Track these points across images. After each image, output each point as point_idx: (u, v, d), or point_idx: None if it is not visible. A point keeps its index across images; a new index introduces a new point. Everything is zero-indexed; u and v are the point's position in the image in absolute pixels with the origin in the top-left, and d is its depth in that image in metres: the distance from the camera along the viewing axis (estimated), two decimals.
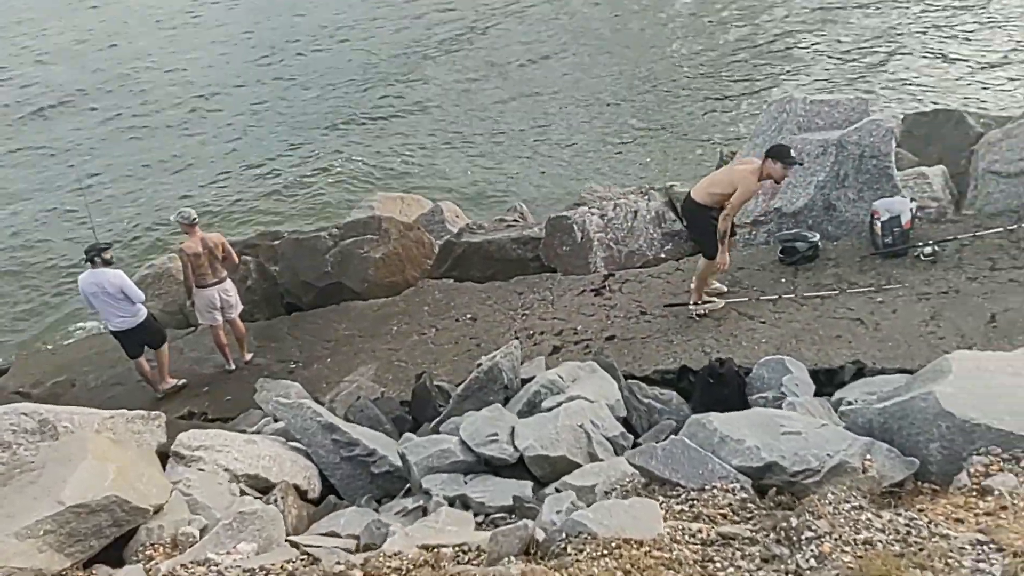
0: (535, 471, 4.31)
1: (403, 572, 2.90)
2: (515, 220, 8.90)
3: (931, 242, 6.33)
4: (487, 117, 15.27)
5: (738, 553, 2.58)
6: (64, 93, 19.62)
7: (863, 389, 4.78)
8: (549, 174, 12.92)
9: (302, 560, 3.41)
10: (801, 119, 7.37)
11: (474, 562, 2.90)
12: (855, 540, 2.49)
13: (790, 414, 3.65)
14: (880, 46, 14.88)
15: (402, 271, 8.33)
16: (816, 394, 4.85)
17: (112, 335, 7.06)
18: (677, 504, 3.11)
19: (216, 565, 3.31)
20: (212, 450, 4.77)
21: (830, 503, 2.73)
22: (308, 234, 8.82)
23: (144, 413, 4.98)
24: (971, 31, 14.64)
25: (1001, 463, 2.84)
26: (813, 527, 2.56)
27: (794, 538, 2.54)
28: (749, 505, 3.00)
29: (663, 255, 7.63)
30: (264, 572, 3.23)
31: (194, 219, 7.08)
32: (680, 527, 2.80)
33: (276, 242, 8.91)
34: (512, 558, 2.74)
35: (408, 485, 4.70)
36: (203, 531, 3.90)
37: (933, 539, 2.46)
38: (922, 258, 6.26)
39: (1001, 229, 6.35)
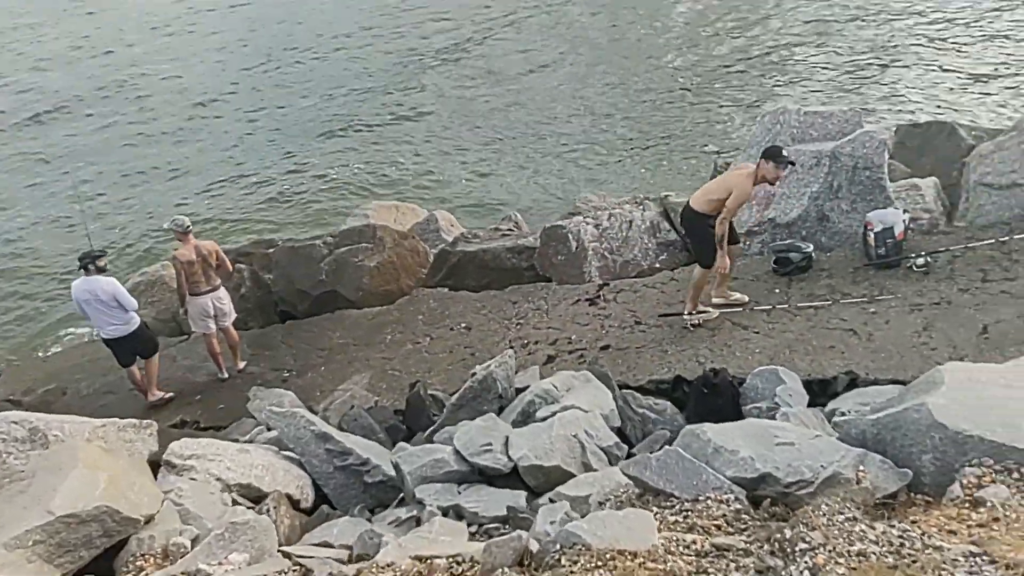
0: (529, 481, 4.30)
1: None
2: (510, 229, 8.92)
3: (923, 253, 6.37)
4: (483, 126, 15.31)
5: (732, 565, 2.57)
6: (59, 99, 19.60)
7: (856, 400, 4.79)
8: (544, 183, 12.96)
9: (294, 571, 3.39)
10: (795, 130, 7.43)
11: (468, 573, 2.88)
12: (849, 552, 2.49)
13: (784, 425, 3.65)
14: (874, 58, 15.01)
15: (397, 280, 8.32)
16: (809, 404, 4.86)
17: (104, 343, 7.03)
18: (671, 515, 3.10)
19: None
20: (204, 459, 4.74)
21: (824, 514, 2.73)
22: (303, 242, 8.81)
23: (136, 422, 4.94)
24: (964, 44, 14.79)
25: (993, 474, 2.85)
26: (807, 539, 2.55)
27: (788, 550, 2.54)
28: (743, 516, 3.00)
29: (658, 265, 7.65)
30: None
31: (188, 227, 7.07)
32: (674, 538, 2.79)
33: (271, 250, 8.90)
34: (506, 569, 2.73)
35: (402, 495, 4.68)
36: (194, 541, 3.87)
37: (926, 551, 2.46)
38: (915, 269, 6.30)
39: (992, 241, 6.40)
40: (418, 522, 4.13)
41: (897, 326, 5.68)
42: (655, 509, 3.16)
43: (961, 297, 5.85)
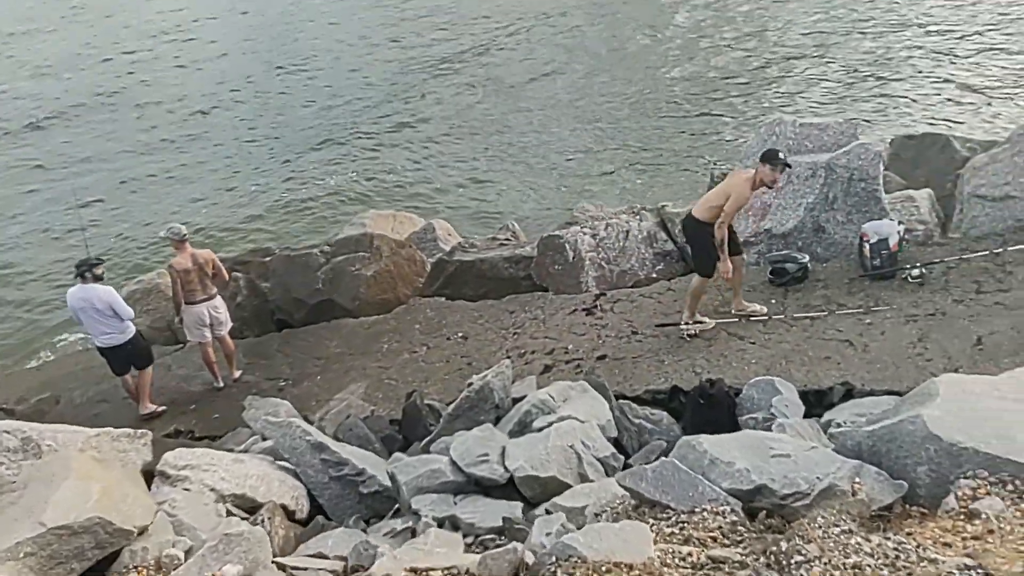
0: (525, 492, 4.29)
1: None
2: (507, 239, 8.94)
3: (918, 264, 6.40)
4: (480, 136, 15.37)
5: None
6: (58, 107, 19.62)
7: (852, 410, 4.80)
8: (541, 193, 13.00)
9: None
10: (791, 141, 7.47)
11: None
12: (844, 564, 2.49)
13: (780, 436, 3.66)
14: (869, 71, 15.13)
15: (394, 289, 8.32)
16: (806, 415, 4.86)
17: (99, 351, 7.00)
18: (667, 527, 3.10)
19: None
20: (199, 469, 4.72)
21: (819, 527, 2.73)
22: (300, 251, 8.81)
23: (130, 431, 4.90)
24: (960, 57, 14.91)
25: (988, 486, 2.85)
26: (803, 551, 2.55)
27: (784, 562, 2.53)
28: (739, 528, 3.00)
29: (654, 275, 7.67)
30: None
31: (184, 235, 7.06)
32: (670, 550, 2.79)
33: (267, 259, 8.90)
34: None
35: (397, 505, 4.66)
36: (188, 553, 3.84)
37: (922, 563, 2.46)
38: (910, 280, 6.32)
39: (987, 252, 6.43)
40: (413, 533, 4.11)
41: (892, 337, 5.70)
42: (651, 521, 3.16)
43: (956, 308, 5.87)
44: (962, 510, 2.79)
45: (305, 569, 3.61)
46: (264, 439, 5.64)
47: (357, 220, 10.64)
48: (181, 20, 26.41)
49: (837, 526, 2.75)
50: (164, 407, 7.22)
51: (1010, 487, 2.82)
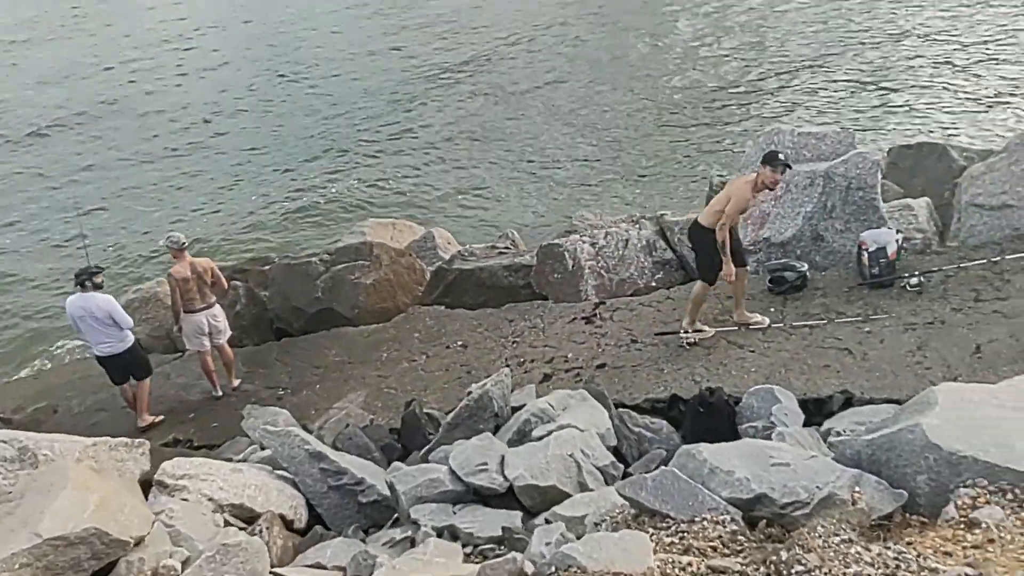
0: (525, 501, 4.27)
1: None
2: (507, 247, 8.94)
3: (917, 273, 6.41)
4: (480, 144, 15.42)
5: None
6: (58, 115, 19.68)
7: (852, 419, 4.79)
8: (541, 202, 13.03)
9: None
10: (789, 151, 7.48)
11: None
12: (844, 574, 2.48)
13: (779, 445, 3.65)
14: (869, 80, 15.20)
15: (393, 297, 8.32)
16: (805, 424, 4.86)
17: (97, 360, 6.99)
18: (667, 536, 3.09)
19: None
20: (196, 479, 4.70)
21: (820, 536, 2.72)
22: (299, 259, 8.81)
23: (128, 441, 4.89)
24: (959, 67, 14.99)
25: (988, 495, 2.85)
26: (803, 561, 2.54)
27: (784, 572, 2.53)
28: (739, 537, 2.99)
29: (654, 283, 7.67)
30: None
31: (183, 244, 7.07)
32: (670, 560, 2.78)
33: (267, 267, 8.90)
34: None
35: (396, 515, 4.64)
36: (185, 563, 3.82)
37: (922, 573, 2.46)
38: (908, 289, 6.33)
39: (985, 261, 6.44)
40: (412, 543, 4.09)
41: (891, 345, 5.70)
42: (651, 530, 3.14)
43: (954, 317, 5.88)
44: (962, 519, 2.78)
45: None
46: (263, 448, 5.63)
47: (357, 228, 10.65)
48: (183, 28, 26.53)
49: (837, 535, 2.74)
50: (162, 416, 7.20)
51: (1010, 496, 2.82)
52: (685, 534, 3.03)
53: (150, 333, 8.79)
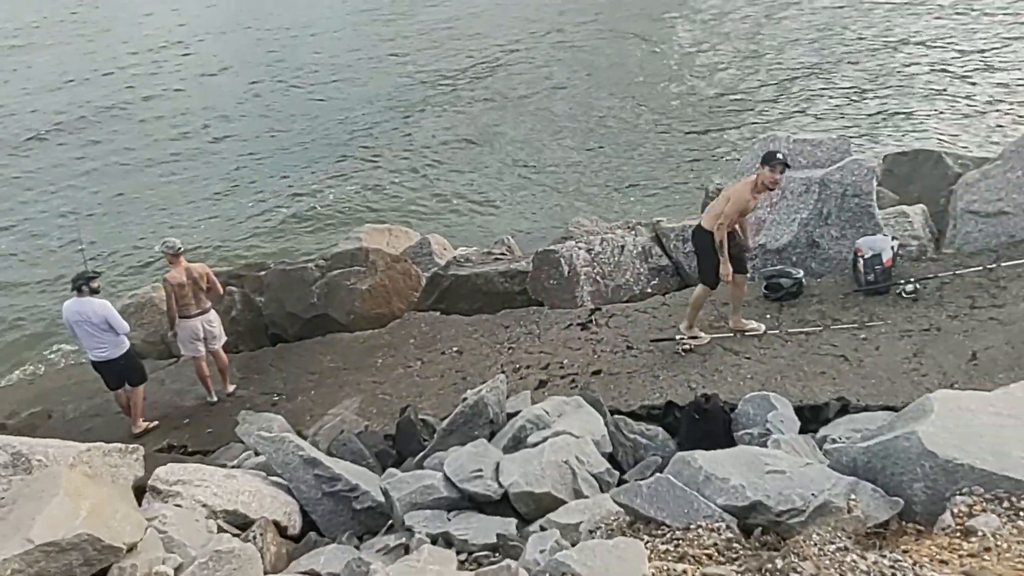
0: (520, 508, 4.25)
1: None
2: (503, 253, 8.95)
3: (912, 280, 6.42)
4: (476, 151, 15.44)
5: None
6: (56, 121, 19.66)
7: (848, 426, 4.79)
8: (537, 208, 13.04)
9: None
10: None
11: None
12: None
13: (775, 452, 3.64)
14: (866, 88, 15.28)
15: (388, 303, 8.31)
16: (801, 431, 4.85)
17: (92, 366, 6.96)
18: (662, 544, 3.07)
19: None
20: (190, 485, 4.67)
21: (815, 544, 2.71)
22: (295, 265, 8.81)
23: (121, 446, 4.86)
24: (955, 74, 15.06)
25: (984, 503, 2.84)
26: (798, 569, 2.53)
27: None
28: (735, 545, 2.97)
29: (649, 290, 7.68)
30: None
31: (179, 249, 7.05)
32: (665, 568, 2.76)
33: (262, 273, 8.89)
34: None
35: (391, 521, 4.62)
36: (178, 570, 3.79)
37: None
38: (904, 295, 6.34)
39: (980, 268, 6.46)
40: (407, 550, 4.07)
41: (887, 352, 5.70)
42: (646, 537, 3.13)
43: (950, 324, 5.88)
44: (958, 527, 2.77)
45: None
46: (257, 454, 5.60)
47: (352, 234, 10.64)
48: (182, 34, 26.55)
49: (833, 543, 2.73)
50: (157, 422, 7.17)
51: (1006, 504, 2.81)
52: (680, 542, 3.01)
53: (145, 339, 8.76)
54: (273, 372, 7.77)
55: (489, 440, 5.03)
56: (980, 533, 2.68)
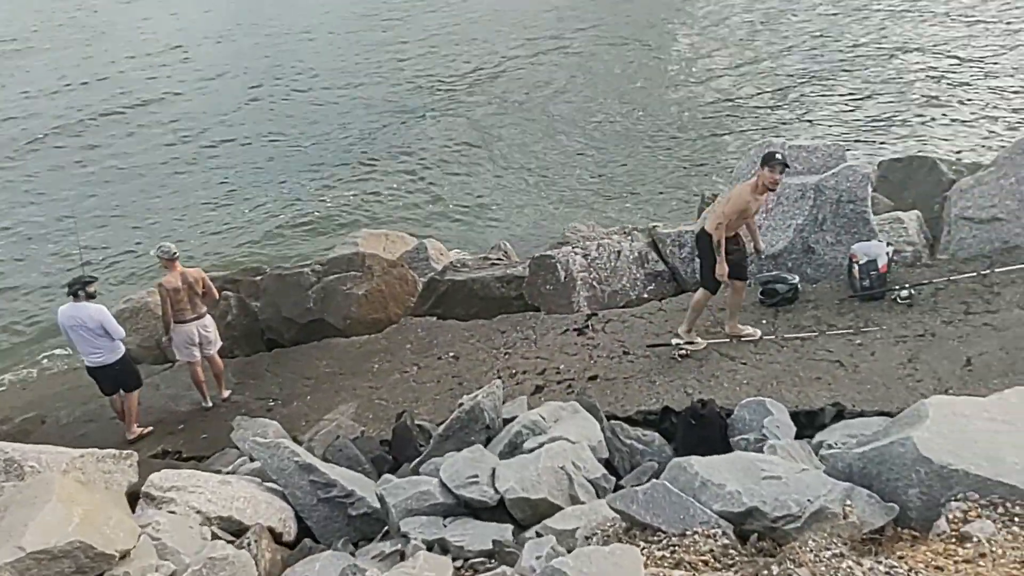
0: (516, 514, 4.24)
1: None
2: (499, 258, 8.94)
3: (907, 286, 6.44)
4: (473, 156, 15.46)
5: None
6: (52, 126, 19.60)
7: (844, 432, 4.79)
8: (533, 213, 13.05)
9: None
10: None
11: None
12: None
13: (771, 458, 3.64)
14: (861, 94, 15.35)
15: (385, 308, 8.30)
16: (797, 436, 4.85)
17: (87, 371, 6.93)
18: (658, 550, 3.07)
19: None
20: (184, 491, 4.65)
21: (811, 550, 2.71)
22: (291, 270, 8.79)
23: (115, 452, 4.84)
24: (949, 81, 15.14)
25: (979, 509, 2.84)
26: (794, 575, 2.53)
27: None
28: (731, 551, 2.97)
29: (646, 295, 7.68)
30: None
31: (175, 254, 7.04)
32: (661, 574, 2.76)
33: (258, 277, 8.87)
34: None
35: (386, 528, 4.60)
36: None
37: None
38: (899, 301, 6.36)
39: (974, 274, 6.49)
40: (402, 556, 4.05)
41: (883, 358, 5.71)
42: (642, 544, 3.12)
43: (945, 329, 5.90)
44: (953, 533, 2.77)
45: None
46: (252, 460, 5.58)
47: (349, 239, 10.63)
48: (180, 39, 26.53)
49: (828, 549, 2.73)
50: (151, 428, 7.14)
51: (1001, 509, 2.81)
52: (676, 548, 3.01)
53: (140, 343, 8.72)
54: (269, 377, 7.74)
55: (485, 446, 5.02)
56: (975, 539, 2.68)
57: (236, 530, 4.58)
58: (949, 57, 16.38)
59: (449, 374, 6.93)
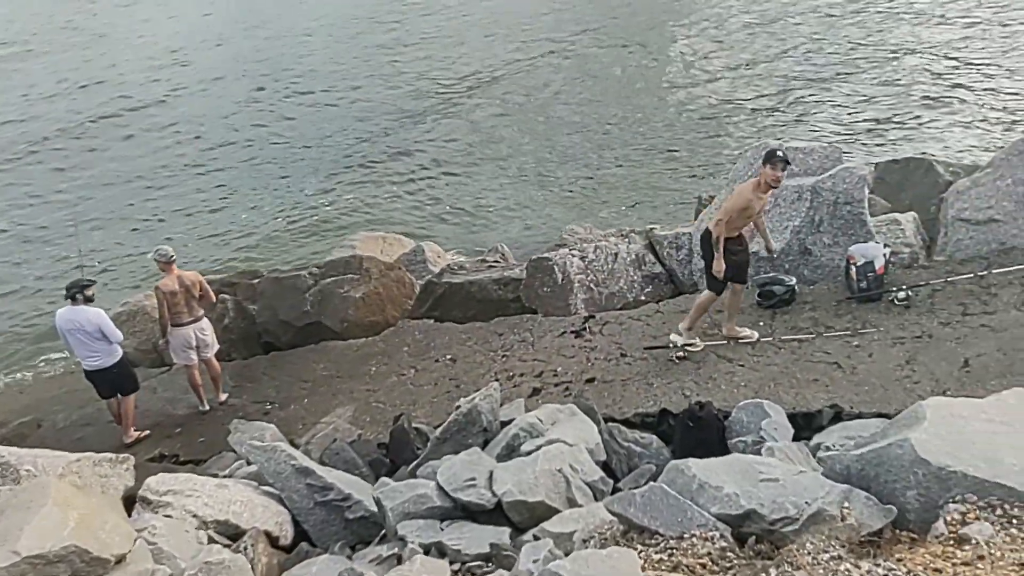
0: (513, 517, 4.23)
1: None
2: (496, 261, 8.94)
3: (904, 287, 6.45)
4: (470, 159, 15.45)
5: None
6: (50, 129, 19.56)
7: (841, 433, 4.79)
8: (531, 216, 13.05)
9: None
10: None
11: None
12: None
13: (768, 460, 3.63)
14: (859, 96, 15.36)
15: (382, 311, 8.29)
16: (795, 438, 4.85)
17: (85, 375, 6.91)
18: (656, 553, 3.06)
19: None
20: (181, 495, 4.64)
21: (809, 553, 2.70)
22: (288, 273, 8.77)
23: (112, 456, 4.83)
24: (946, 83, 15.17)
25: (977, 511, 2.84)
26: None
27: None
28: (728, 554, 2.96)
29: (643, 297, 7.68)
30: None
31: (172, 257, 7.02)
32: None
33: (255, 280, 8.85)
34: None
35: (383, 531, 4.58)
36: None
37: None
38: (896, 303, 6.36)
39: (971, 275, 6.49)
40: (399, 560, 4.04)
41: (880, 359, 5.71)
42: (639, 547, 3.11)
43: (942, 331, 5.90)
44: (952, 535, 2.77)
45: None
46: (249, 463, 5.56)
47: (346, 242, 10.62)
48: (178, 42, 26.49)
49: (826, 552, 2.72)
50: (148, 431, 7.11)
51: (999, 511, 2.81)
52: (674, 551, 3.00)
53: (137, 347, 8.70)
54: (266, 380, 7.72)
55: (483, 448, 5.01)
56: (973, 541, 2.68)
57: (233, 534, 4.56)
58: (946, 59, 16.41)
59: (446, 377, 6.92)
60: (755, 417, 4.98)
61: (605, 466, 4.89)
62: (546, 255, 7.98)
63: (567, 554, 3.25)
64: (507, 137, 16.11)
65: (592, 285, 7.76)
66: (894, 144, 13.07)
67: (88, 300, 6.61)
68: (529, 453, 4.66)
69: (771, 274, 7.03)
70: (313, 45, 24.63)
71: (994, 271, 6.46)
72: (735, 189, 6.08)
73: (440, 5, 27.23)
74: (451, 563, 3.85)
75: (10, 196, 16.03)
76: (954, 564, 2.62)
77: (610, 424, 5.35)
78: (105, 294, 11.29)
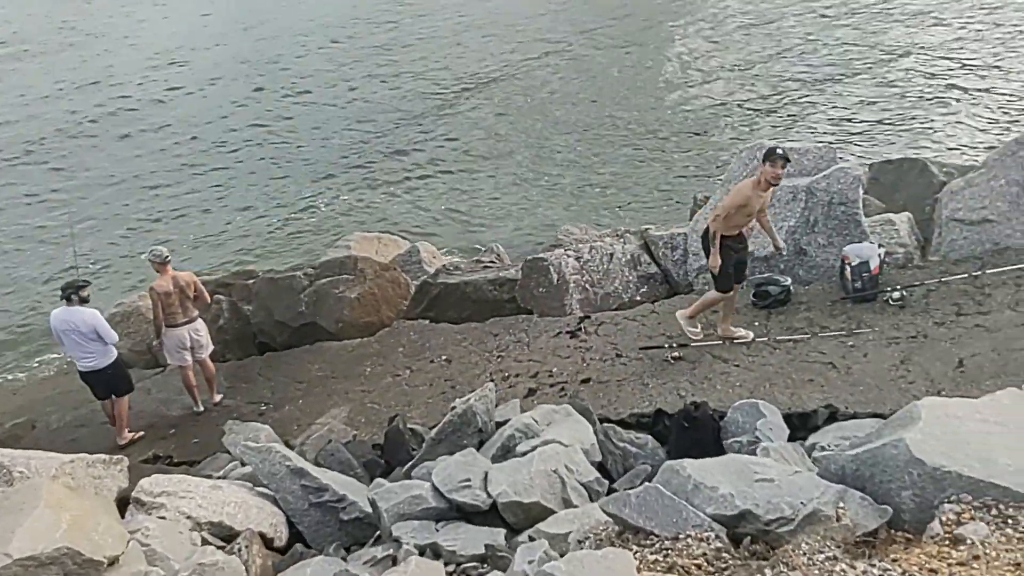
0: (508, 518, 4.22)
1: None
2: (492, 261, 8.93)
3: (899, 287, 6.46)
4: (466, 160, 15.44)
5: None
6: (47, 130, 19.48)
7: (836, 433, 4.80)
8: (526, 216, 13.04)
9: None
10: None
11: None
12: None
13: (764, 460, 3.63)
14: (854, 97, 15.41)
15: (377, 311, 8.27)
16: (790, 438, 4.85)
17: (80, 376, 6.88)
18: (651, 554, 3.05)
19: None
20: (175, 496, 4.62)
21: (804, 553, 2.70)
22: (283, 273, 8.75)
23: (105, 457, 4.80)
24: (941, 84, 15.22)
25: (972, 511, 2.84)
26: None
27: None
28: (724, 555, 2.96)
29: (638, 298, 7.68)
30: None
31: (166, 257, 6.99)
32: None
33: (250, 281, 8.83)
34: None
35: (378, 532, 4.57)
36: None
37: None
38: (891, 303, 6.38)
39: (966, 275, 6.51)
40: (394, 561, 4.03)
41: (875, 359, 5.72)
42: (635, 547, 3.11)
43: (937, 331, 5.92)
44: (947, 535, 2.77)
45: None
46: (243, 464, 5.54)
47: (341, 243, 10.60)
48: (175, 44, 26.39)
49: (822, 552, 2.72)
50: (142, 432, 7.08)
51: (994, 511, 2.81)
52: (669, 551, 3.00)
53: (132, 348, 8.66)
54: (261, 381, 7.70)
55: (478, 449, 5.00)
56: (969, 541, 2.68)
57: (227, 535, 4.54)
58: (940, 60, 16.47)
59: (441, 377, 6.91)
60: (750, 417, 4.98)
61: (600, 467, 4.89)
62: (541, 255, 7.98)
63: (562, 555, 3.24)
64: (503, 137, 16.11)
65: (587, 285, 7.76)
66: (889, 144, 13.11)
67: (83, 301, 6.58)
68: (524, 454, 4.65)
69: (766, 274, 7.04)
70: (310, 46, 24.59)
71: (988, 271, 6.48)
72: (736, 188, 6.06)
73: (437, 6, 27.22)
74: (446, 564, 3.84)
75: (6, 196, 15.95)
76: (949, 564, 2.63)
77: (605, 425, 5.35)
78: (100, 295, 11.24)
